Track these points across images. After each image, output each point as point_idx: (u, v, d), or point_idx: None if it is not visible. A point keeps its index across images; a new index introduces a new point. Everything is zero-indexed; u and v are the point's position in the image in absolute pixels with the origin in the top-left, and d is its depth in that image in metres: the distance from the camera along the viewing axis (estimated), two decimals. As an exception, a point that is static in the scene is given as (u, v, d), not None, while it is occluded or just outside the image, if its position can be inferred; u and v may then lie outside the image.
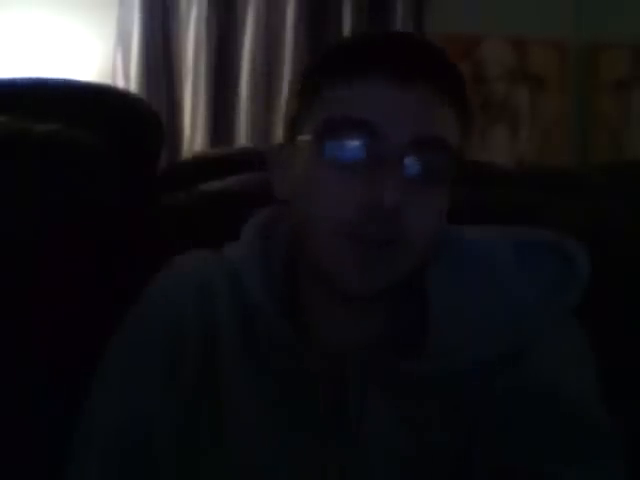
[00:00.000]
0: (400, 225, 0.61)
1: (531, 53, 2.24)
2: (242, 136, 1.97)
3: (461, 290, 0.68)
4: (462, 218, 0.69)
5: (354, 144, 0.61)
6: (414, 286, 0.68)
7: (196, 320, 0.68)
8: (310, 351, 0.66)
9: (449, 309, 0.66)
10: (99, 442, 0.66)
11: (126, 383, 0.67)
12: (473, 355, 0.64)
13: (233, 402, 0.66)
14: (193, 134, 1.95)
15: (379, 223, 0.60)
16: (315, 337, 0.67)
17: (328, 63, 0.66)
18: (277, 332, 0.66)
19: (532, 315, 0.65)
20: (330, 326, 0.67)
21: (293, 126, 0.68)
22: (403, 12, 2.05)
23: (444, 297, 0.67)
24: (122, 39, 1.90)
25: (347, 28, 2.00)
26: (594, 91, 2.29)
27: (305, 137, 0.64)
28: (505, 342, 0.64)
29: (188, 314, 0.68)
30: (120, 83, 1.90)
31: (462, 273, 0.69)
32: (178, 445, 0.66)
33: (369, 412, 0.64)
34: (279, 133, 1.93)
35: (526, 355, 0.64)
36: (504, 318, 0.65)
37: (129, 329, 0.69)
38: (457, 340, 0.64)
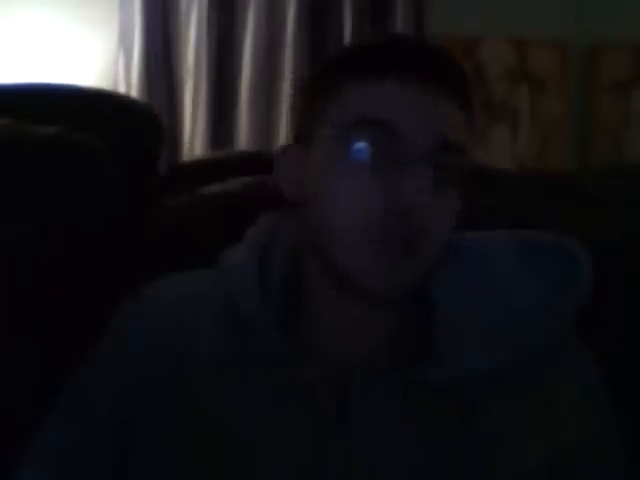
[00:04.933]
0: (422, 226, 0.61)
1: (531, 54, 2.24)
2: (242, 137, 1.97)
3: (461, 292, 0.67)
4: (462, 221, 0.69)
5: (376, 144, 0.61)
6: (417, 290, 0.68)
7: (193, 327, 0.69)
8: (310, 356, 0.66)
9: (452, 312, 0.66)
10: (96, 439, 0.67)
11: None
12: (475, 359, 0.64)
13: (233, 404, 0.66)
14: (193, 134, 1.95)
15: (406, 223, 0.60)
16: (318, 343, 0.67)
17: (345, 65, 0.65)
18: (273, 346, 0.65)
19: (533, 316, 0.65)
20: (336, 332, 0.67)
21: (305, 127, 0.67)
22: (403, 13, 2.05)
23: (446, 301, 0.67)
24: (123, 41, 1.90)
25: (347, 29, 2.00)
26: (594, 92, 2.29)
27: (323, 138, 0.64)
28: (506, 344, 0.64)
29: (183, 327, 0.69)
30: (121, 84, 1.90)
31: (462, 274, 0.69)
32: (178, 445, 0.66)
33: (371, 416, 0.64)
34: (280, 134, 1.92)
35: (528, 361, 0.64)
36: (504, 319, 0.65)
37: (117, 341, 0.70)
38: (461, 344, 0.64)
